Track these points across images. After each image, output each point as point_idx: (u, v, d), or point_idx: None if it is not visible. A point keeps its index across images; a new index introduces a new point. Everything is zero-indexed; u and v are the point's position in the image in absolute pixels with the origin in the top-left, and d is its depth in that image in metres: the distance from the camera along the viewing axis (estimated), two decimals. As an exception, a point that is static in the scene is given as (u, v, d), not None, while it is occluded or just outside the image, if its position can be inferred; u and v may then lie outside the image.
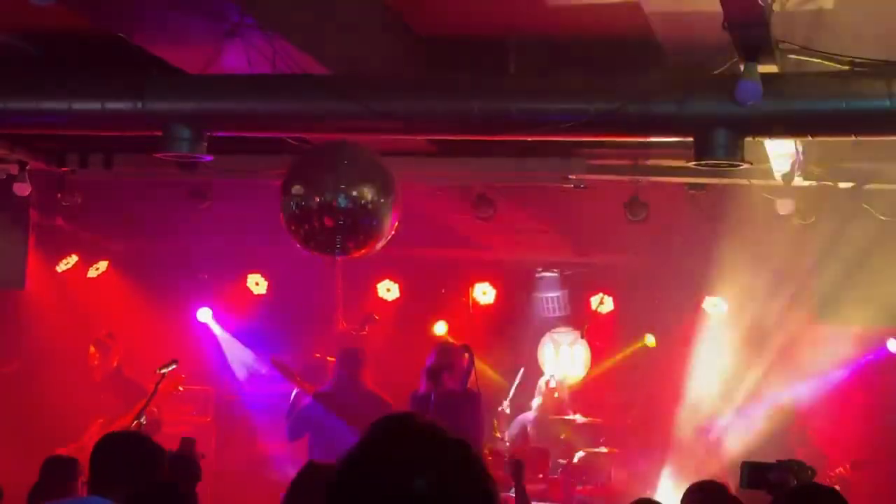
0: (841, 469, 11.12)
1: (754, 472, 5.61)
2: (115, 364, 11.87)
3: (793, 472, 5.53)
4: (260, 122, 8.10)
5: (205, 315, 13.16)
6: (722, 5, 6.02)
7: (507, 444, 11.70)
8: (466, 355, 9.85)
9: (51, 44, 8.44)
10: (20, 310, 12.40)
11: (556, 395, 12.44)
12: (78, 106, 7.94)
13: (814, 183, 9.42)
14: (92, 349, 11.95)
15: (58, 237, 12.33)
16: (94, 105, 7.90)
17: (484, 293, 13.19)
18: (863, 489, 10.58)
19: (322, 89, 7.81)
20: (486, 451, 10.69)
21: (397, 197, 8.72)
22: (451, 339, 11.95)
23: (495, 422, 11.66)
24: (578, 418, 12.20)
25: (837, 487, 10.01)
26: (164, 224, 11.99)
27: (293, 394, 10.26)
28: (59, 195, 10.97)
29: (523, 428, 12.31)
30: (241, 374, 13.15)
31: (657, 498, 11.35)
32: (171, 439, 11.35)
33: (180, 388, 11.46)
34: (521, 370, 12.47)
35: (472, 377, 9.73)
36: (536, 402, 12.57)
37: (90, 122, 8.20)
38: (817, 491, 5.11)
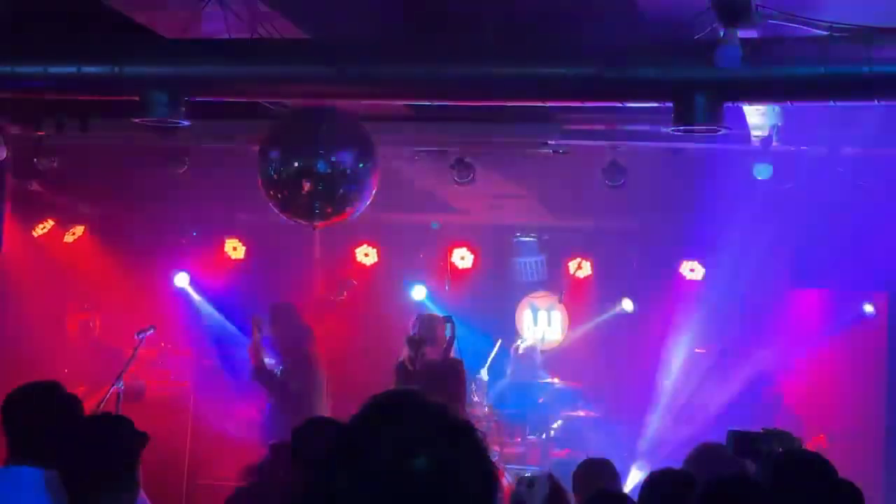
0: (817, 440, 11.19)
1: (740, 440, 5.63)
2: (95, 333, 11.85)
3: (779, 441, 5.56)
4: (238, 87, 8.06)
5: (182, 280, 13.14)
6: (702, -30, 6.02)
7: (486, 408, 11.75)
8: (448, 326, 9.88)
9: (26, 7, 8.36)
10: (-4, 275, 12.36)
11: (527, 360, 12.53)
12: (54, 70, 7.89)
13: (791, 148, 9.44)
14: (73, 327, 11.94)
15: (34, 202, 12.26)
16: (71, 69, 7.85)
17: (462, 258, 13.18)
18: (839, 458, 10.66)
19: (300, 54, 7.78)
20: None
21: (376, 162, 8.71)
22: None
23: (474, 386, 11.70)
24: (556, 382, 12.25)
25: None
26: (142, 189, 11.93)
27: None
28: (35, 160, 10.90)
29: (502, 392, 12.36)
30: (217, 338, 13.13)
31: (637, 462, 11.44)
32: (152, 403, 11.43)
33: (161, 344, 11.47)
34: (499, 341, 12.48)
35: (454, 347, 9.80)
36: (510, 367, 12.62)
37: (66, 87, 8.15)
38: (806, 458, 5.14)
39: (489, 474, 2.03)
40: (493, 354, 12.30)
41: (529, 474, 5.98)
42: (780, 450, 5.47)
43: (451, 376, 9.58)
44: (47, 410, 4.71)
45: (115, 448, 4.38)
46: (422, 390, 2.08)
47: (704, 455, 6.24)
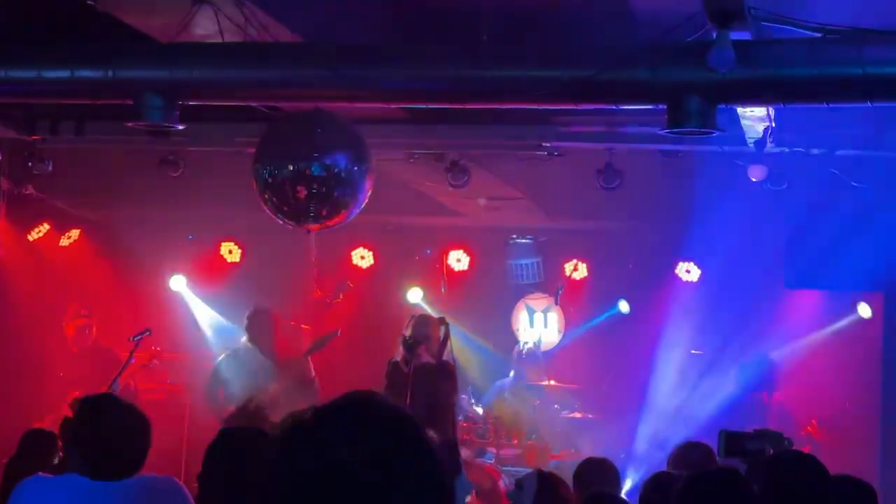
0: (809, 429, 11.19)
1: (731, 441, 5.64)
2: (92, 338, 11.86)
3: (769, 441, 5.57)
4: (231, 90, 8.07)
5: (178, 283, 13.13)
6: (694, -27, 6.03)
7: (482, 410, 11.75)
8: (443, 328, 9.87)
9: (19, 11, 8.36)
10: (-8, 279, 12.35)
11: (529, 362, 12.51)
12: (48, 74, 7.89)
13: (785, 149, 9.45)
14: (71, 331, 11.94)
15: (29, 206, 12.26)
16: (64, 73, 7.85)
17: (458, 260, 13.18)
18: (831, 448, 10.67)
19: (293, 57, 7.78)
20: (460, 418, 10.75)
21: (371, 165, 8.71)
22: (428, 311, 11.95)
23: (470, 388, 11.70)
24: (553, 384, 12.25)
25: (809, 448, 10.13)
26: (137, 192, 11.93)
27: None
28: (30, 163, 10.90)
29: (499, 394, 12.36)
30: (213, 340, 13.12)
31: (633, 462, 11.44)
32: (148, 406, 11.40)
33: (156, 362, 11.48)
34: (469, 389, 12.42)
35: (448, 348, 9.79)
36: (512, 368, 12.61)
37: (60, 91, 8.15)
38: (795, 457, 5.15)
39: (432, 469, 2.04)
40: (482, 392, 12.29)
41: (517, 478, 6.00)
42: (771, 451, 5.48)
43: (444, 378, 9.59)
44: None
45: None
46: (379, 391, 2.11)
47: (680, 457, 6.28)
